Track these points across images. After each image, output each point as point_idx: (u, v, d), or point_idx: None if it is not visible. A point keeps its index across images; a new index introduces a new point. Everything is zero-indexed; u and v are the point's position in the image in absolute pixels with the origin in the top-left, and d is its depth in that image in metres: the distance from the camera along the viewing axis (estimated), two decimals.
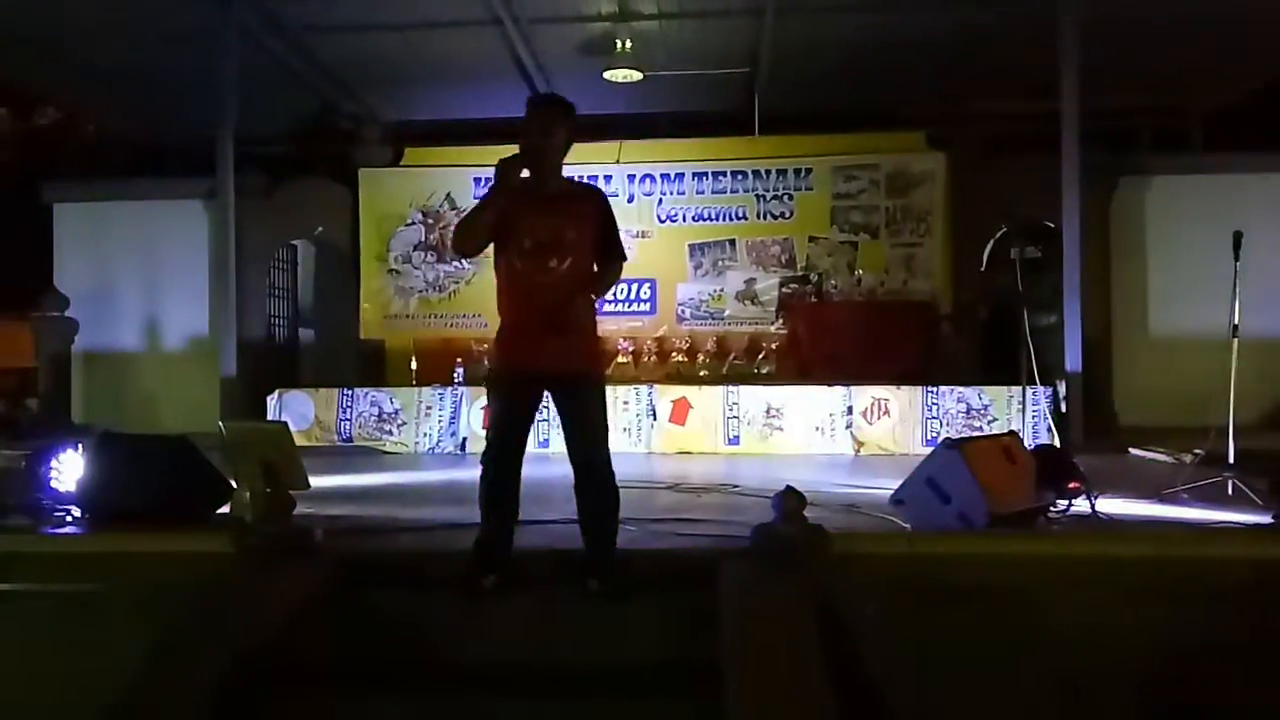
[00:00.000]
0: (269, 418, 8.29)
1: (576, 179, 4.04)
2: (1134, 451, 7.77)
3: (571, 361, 3.69)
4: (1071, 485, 4.43)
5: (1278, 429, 8.75)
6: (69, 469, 4.78)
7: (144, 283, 10.99)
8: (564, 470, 4.02)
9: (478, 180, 10.65)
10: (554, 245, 3.67)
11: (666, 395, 8.25)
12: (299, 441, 6.06)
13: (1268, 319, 9.54)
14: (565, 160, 3.83)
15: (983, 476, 4.10)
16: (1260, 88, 10.77)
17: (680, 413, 8.17)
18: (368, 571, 3.97)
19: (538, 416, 3.91)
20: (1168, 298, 10.32)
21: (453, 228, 10.58)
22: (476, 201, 3.86)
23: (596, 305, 3.82)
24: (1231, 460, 5.18)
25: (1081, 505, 4.45)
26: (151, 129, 12.03)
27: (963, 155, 10.51)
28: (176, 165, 12.29)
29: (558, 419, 3.84)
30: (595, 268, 3.81)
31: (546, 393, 3.84)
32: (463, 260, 10.57)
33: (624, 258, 3.88)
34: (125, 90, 10.72)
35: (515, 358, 3.75)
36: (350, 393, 8.59)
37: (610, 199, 4.03)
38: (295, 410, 8.39)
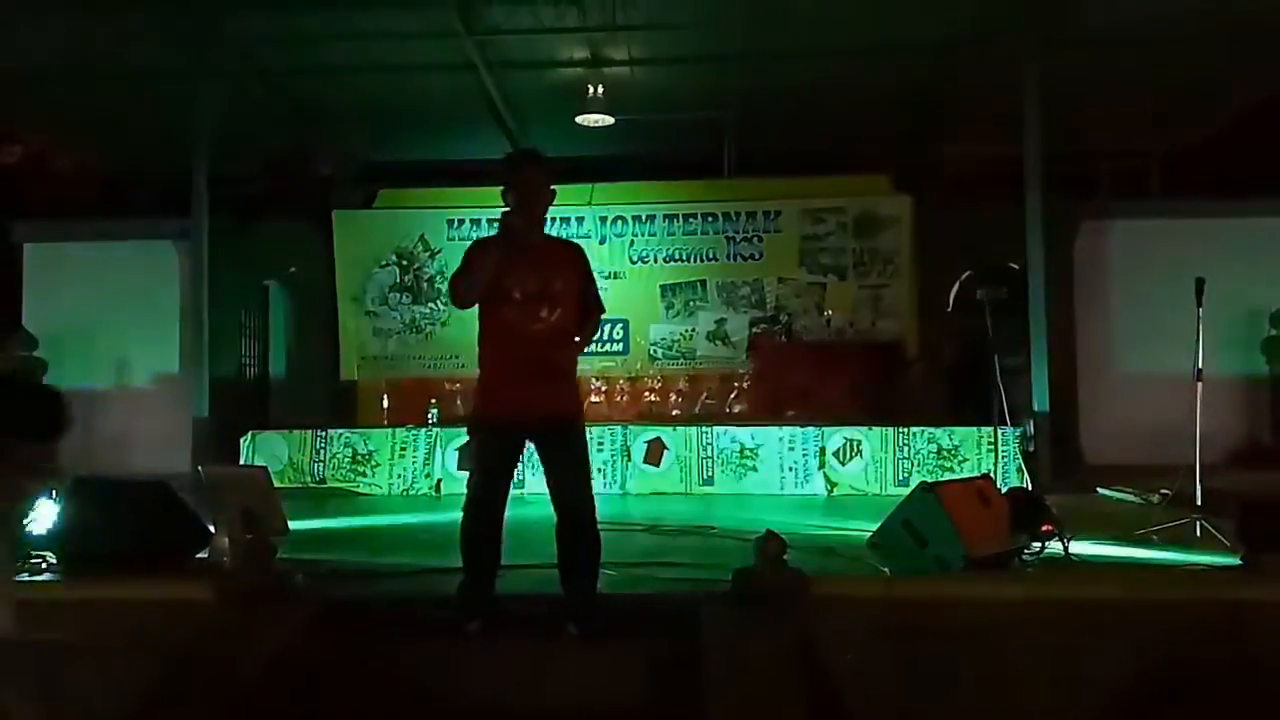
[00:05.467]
0: (243, 459, 8.24)
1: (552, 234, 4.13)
2: (1101, 491, 7.89)
3: (558, 409, 3.75)
4: (1044, 528, 4.51)
5: (1240, 468, 8.93)
6: (43, 514, 4.74)
7: (114, 322, 10.92)
8: (542, 513, 4.05)
9: (450, 222, 10.71)
10: (543, 296, 3.75)
11: (641, 436, 8.29)
12: None
13: (1228, 359, 9.79)
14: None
15: (958, 520, 4.17)
16: (1217, 131, 11.08)
17: (655, 453, 8.20)
18: (350, 618, 3.97)
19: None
20: (1130, 338, 10.53)
21: (422, 270, 10.83)
22: (464, 247, 3.91)
23: (578, 354, 3.89)
24: (1199, 502, 5.30)
25: (1054, 547, 4.53)
26: (123, 168, 12.00)
27: (929, 198, 10.69)
28: (147, 204, 12.26)
29: (534, 462, 3.90)
30: (577, 319, 3.88)
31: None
32: (437, 304, 10.63)
33: (603, 310, 3.98)
34: (96, 128, 10.71)
35: (501, 406, 3.79)
36: (324, 434, 8.55)
37: (582, 240, 4.16)
38: (268, 452, 8.34)
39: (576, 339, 3.85)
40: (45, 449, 1.86)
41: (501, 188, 3.80)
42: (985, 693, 3.69)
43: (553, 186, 3.85)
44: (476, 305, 3.84)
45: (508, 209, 3.75)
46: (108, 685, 3.72)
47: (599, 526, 3.86)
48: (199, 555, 4.60)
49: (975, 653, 3.71)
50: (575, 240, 10.42)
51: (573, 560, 3.81)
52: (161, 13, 8.16)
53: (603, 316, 4.01)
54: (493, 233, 3.81)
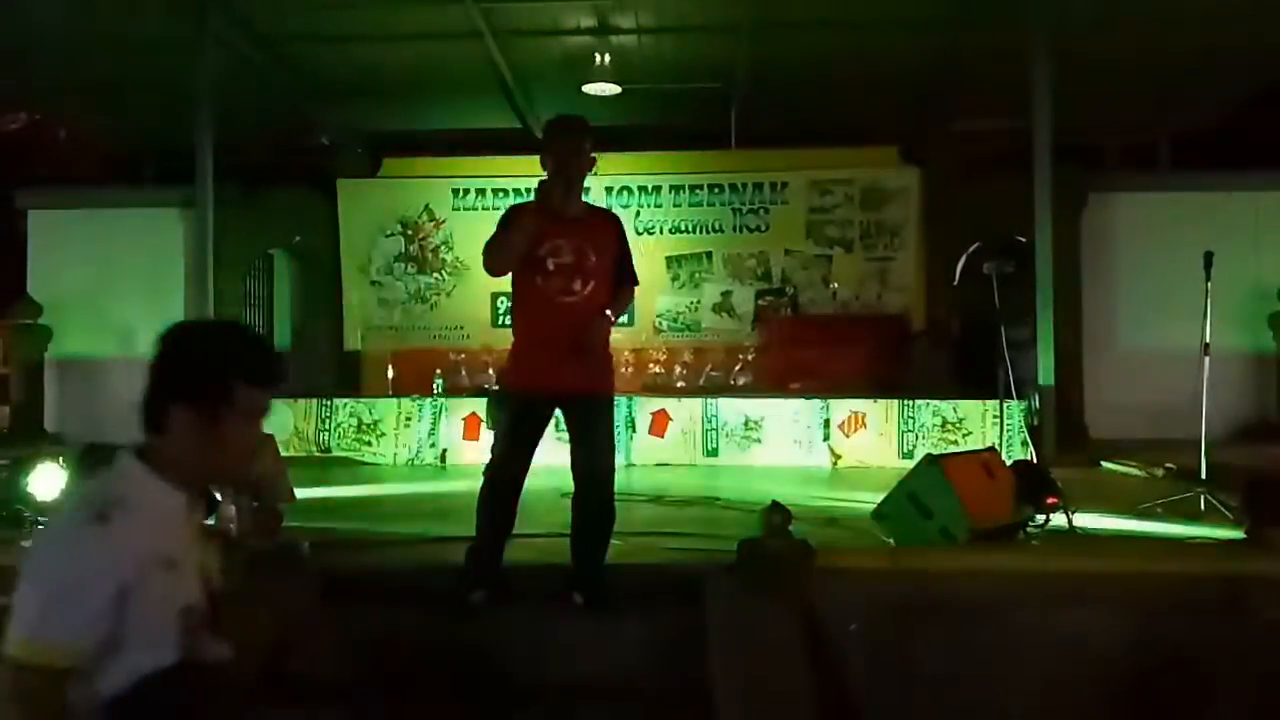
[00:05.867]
0: None
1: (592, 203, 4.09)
2: (1106, 465, 7.89)
3: (589, 381, 3.76)
4: (1049, 500, 4.51)
5: (1245, 443, 8.93)
6: (49, 479, 4.75)
7: (118, 291, 10.90)
8: (544, 484, 4.07)
9: (456, 192, 10.66)
10: (578, 268, 3.73)
11: (646, 407, 8.29)
12: None
13: (1233, 334, 9.76)
14: (521, 174, 3.90)
15: (963, 492, 4.17)
16: (1228, 110, 11.00)
17: (660, 424, 8.21)
18: (356, 586, 3.98)
19: None
20: (1136, 312, 10.50)
21: (427, 240, 10.80)
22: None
23: (611, 326, 3.88)
24: (1203, 475, 5.30)
25: (1059, 520, 4.53)
26: (126, 136, 11.95)
27: (936, 171, 10.64)
28: (152, 173, 12.24)
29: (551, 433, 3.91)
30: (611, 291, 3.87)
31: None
32: (442, 274, 10.62)
33: (637, 282, 3.97)
34: (99, 97, 10.65)
35: (534, 376, 3.78)
36: (329, 403, 8.56)
37: None
38: (273, 420, 8.32)
39: (609, 311, 3.82)
40: None
41: (540, 154, 3.77)
42: (989, 664, 3.71)
43: (590, 154, 3.79)
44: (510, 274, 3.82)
45: (546, 176, 3.72)
46: None
47: None
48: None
49: (979, 624, 3.72)
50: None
51: (586, 530, 3.83)
52: None
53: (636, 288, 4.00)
54: (527, 200, 3.79)
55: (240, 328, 1.99)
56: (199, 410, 1.86)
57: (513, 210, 3.82)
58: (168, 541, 1.83)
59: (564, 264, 3.72)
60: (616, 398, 8.12)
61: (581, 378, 3.73)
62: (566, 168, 3.71)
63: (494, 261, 3.79)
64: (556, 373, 3.71)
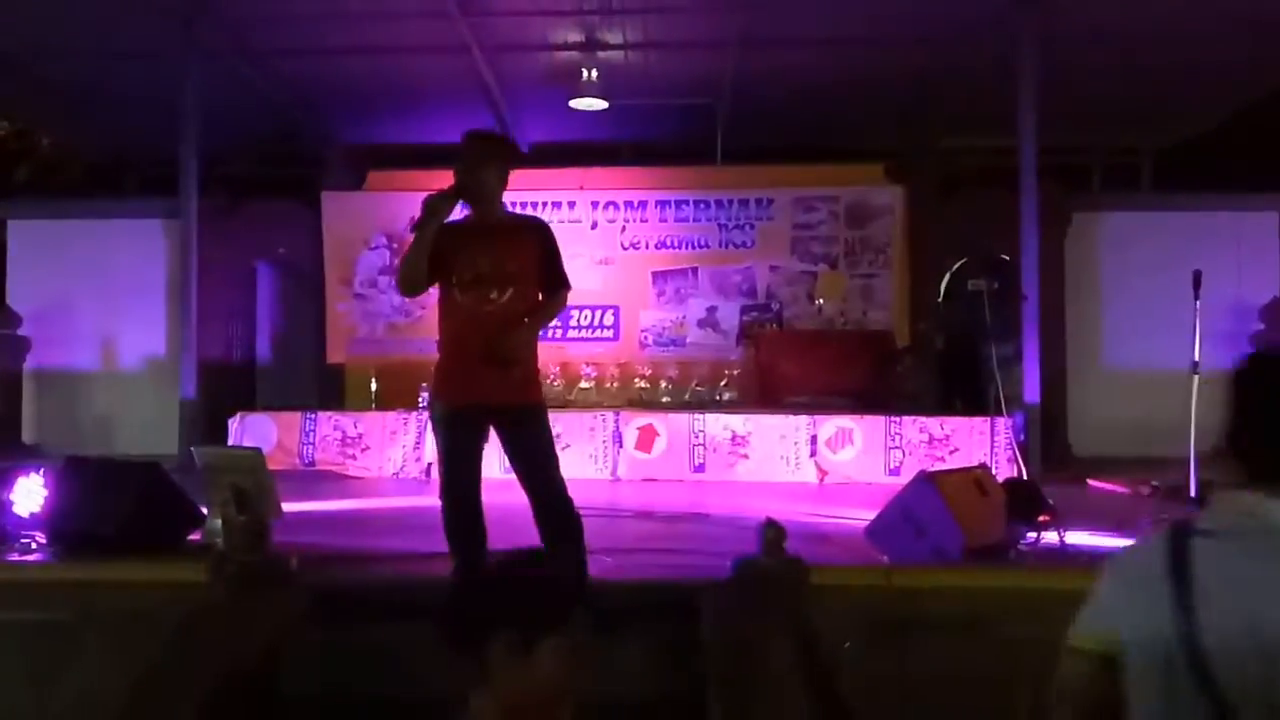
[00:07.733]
0: (230, 441, 8.18)
1: (520, 210, 4.08)
2: (1092, 483, 7.92)
3: (512, 393, 3.71)
4: (1041, 518, 4.52)
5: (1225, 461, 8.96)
6: (30, 493, 4.68)
7: (99, 302, 10.81)
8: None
9: None
10: (494, 277, 3.69)
11: (632, 422, 8.27)
12: None
13: (1216, 353, 9.79)
14: (509, 189, 3.88)
15: (956, 509, 4.17)
16: (1210, 128, 11.11)
17: (646, 440, 8.19)
18: (345, 602, 3.94)
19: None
20: (1119, 331, 10.56)
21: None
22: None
23: (538, 335, 3.85)
24: (1194, 493, 5.32)
25: (1051, 537, 4.53)
26: (109, 146, 11.87)
27: (921, 188, 10.69)
28: (134, 183, 12.16)
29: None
30: (540, 298, 3.84)
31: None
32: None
33: (567, 287, 3.90)
34: (82, 106, 10.58)
35: (457, 390, 3.75)
36: (313, 416, 8.50)
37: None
38: (257, 433, 8.28)
39: (532, 320, 3.79)
40: None
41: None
42: (982, 681, 3.70)
43: (499, 169, 3.80)
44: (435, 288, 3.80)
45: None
46: (99, 666, 3.69)
47: (590, 512, 3.83)
48: (191, 537, 4.56)
49: (974, 641, 3.71)
50: (573, 223, 10.35)
51: (554, 543, 3.78)
52: None
53: (569, 293, 3.94)
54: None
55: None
56: None
57: (418, 225, 3.68)
58: None
59: (480, 274, 3.69)
60: (603, 413, 8.20)
61: (505, 389, 3.68)
62: (463, 180, 3.72)
63: (402, 281, 3.78)
64: (479, 385, 3.68)
